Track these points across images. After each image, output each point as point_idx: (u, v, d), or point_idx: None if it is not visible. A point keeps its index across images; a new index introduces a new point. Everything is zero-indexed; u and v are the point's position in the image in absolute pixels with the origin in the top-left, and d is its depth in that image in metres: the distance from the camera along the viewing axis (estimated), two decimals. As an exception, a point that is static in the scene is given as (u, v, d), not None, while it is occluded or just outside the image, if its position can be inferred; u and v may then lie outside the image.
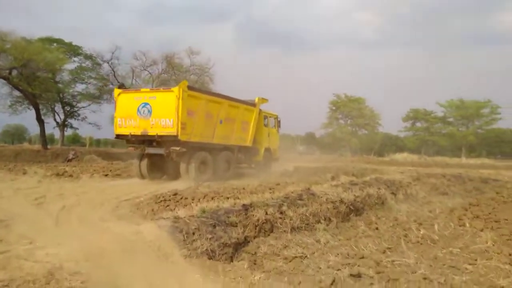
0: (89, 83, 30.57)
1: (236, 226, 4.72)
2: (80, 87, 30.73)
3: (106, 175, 13.88)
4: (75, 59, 30.05)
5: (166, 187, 9.97)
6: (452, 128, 51.11)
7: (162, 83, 29.08)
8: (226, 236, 4.39)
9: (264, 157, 15.21)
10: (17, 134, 67.56)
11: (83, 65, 30.39)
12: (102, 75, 30.28)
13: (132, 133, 11.55)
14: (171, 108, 10.82)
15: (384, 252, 5.36)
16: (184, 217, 4.47)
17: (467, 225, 7.04)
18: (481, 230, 6.60)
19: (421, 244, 5.91)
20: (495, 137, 54.66)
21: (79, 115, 31.90)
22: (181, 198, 7.12)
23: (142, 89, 13.14)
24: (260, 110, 14.69)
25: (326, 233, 5.88)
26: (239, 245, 4.54)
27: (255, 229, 4.91)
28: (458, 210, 8.26)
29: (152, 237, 3.83)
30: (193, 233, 4.10)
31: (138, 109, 11.32)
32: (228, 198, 7.07)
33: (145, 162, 12.13)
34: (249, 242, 4.72)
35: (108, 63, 29.51)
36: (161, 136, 11.08)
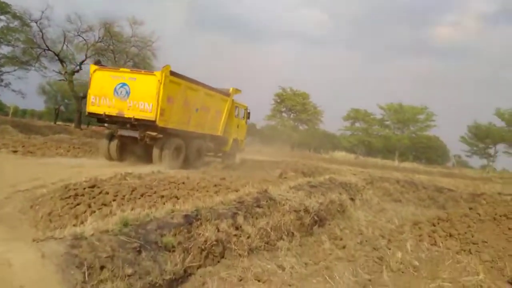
0: (16, 46, 26.45)
1: (174, 250, 3.16)
2: (5, 50, 26.61)
3: (15, 151, 11.51)
4: (2, 17, 25.85)
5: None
6: (389, 131, 52.77)
7: (97, 52, 26.02)
8: (157, 270, 2.83)
9: (231, 147, 14.96)
10: None
11: (11, 25, 26.21)
12: (30, 38, 26.28)
13: (106, 113, 11.03)
14: (152, 92, 10.51)
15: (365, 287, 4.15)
16: (92, 235, 2.83)
17: (440, 245, 6.10)
18: (457, 253, 5.67)
19: (403, 272, 4.80)
20: (423, 143, 57.57)
21: (2, 80, 27.62)
22: (100, 193, 5.34)
23: (122, 69, 12.43)
24: (232, 100, 14.54)
25: (290, 254, 4.53)
26: (174, 283, 2.98)
27: (201, 254, 3.40)
28: (424, 224, 7.38)
29: (27, 279, 2.17)
30: (102, 268, 2.50)
31: (115, 89, 10.89)
32: (163, 197, 5.45)
33: (114, 143, 11.65)
34: (190, 275, 3.19)
35: (36, 23, 25.64)
36: (137, 120, 10.68)
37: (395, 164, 49.83)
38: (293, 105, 55.53)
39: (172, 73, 10.90)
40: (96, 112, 11.24)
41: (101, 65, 12.16)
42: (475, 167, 62.11)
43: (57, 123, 45.93)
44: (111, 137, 11.71)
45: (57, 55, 25.47)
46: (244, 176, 10.11)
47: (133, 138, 11.00)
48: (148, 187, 6.11)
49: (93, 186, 5.70)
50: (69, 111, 56.81)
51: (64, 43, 25.85)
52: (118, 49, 25.53)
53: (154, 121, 10.51)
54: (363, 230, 6.75)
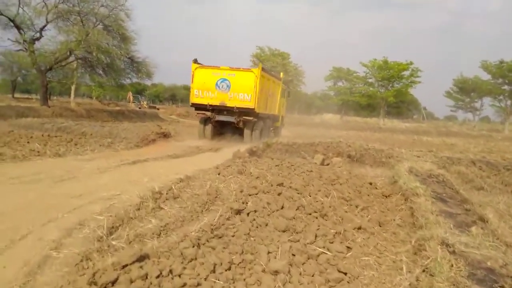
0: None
1: None
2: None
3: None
4: None
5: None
6: (373, 89, 51.07)
7: (60, 15, 21.84)
8: None
9: (281, 122, 18.09)
10: None
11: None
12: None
13: (210, 103, 13.37)
14: (250, 85, 13.04)
15: None
16: None
17: None
18: None
19: None
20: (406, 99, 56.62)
21: None
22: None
23: (222, 67, 13.87)
24: (282, 83, 17.07)
25: None
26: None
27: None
28: None
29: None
30: None
31: (216, 84, 13.26)
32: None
33: (209, 127, 14.16)
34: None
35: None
36: (239, 108, 13.22)
37: (381, 122, 48.79)
38: (272, 65, 52.46)
39: (262, 69, 13.71)
40: (201, 102, 13.53)
41: (201, 64, 13.92)
42: (455, 119, 62.51)
43: (15, 96, 41.12)
44: (205, 122, 14.17)
45: (12, 21, 21.20)
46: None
47: (228, 122, 13.77)
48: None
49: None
50: (27, 82, 51.37)
51: (19, 6, 21.49)
52: (85, 10, 21.50)
53: (253, 109, 13.24)
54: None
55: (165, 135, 12.28)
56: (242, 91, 13.20)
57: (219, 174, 7.22)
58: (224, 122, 13.95)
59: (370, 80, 53.21)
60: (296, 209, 4.77)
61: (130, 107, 45.90)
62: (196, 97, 13.58)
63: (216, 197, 5.36)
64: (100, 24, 22.73)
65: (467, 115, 58.40)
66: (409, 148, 13.81)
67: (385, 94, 48.46)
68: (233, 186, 5.96)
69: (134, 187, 5.85)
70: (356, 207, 5.18)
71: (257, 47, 53.53)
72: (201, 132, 14.29)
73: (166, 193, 5.31)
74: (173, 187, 5.61)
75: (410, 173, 7.00)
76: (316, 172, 7.95)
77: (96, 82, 24.16)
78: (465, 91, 44.70)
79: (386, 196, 5.92)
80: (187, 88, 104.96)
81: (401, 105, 68.40)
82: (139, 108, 49.11)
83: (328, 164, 9.52)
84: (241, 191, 5.51)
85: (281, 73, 16.08)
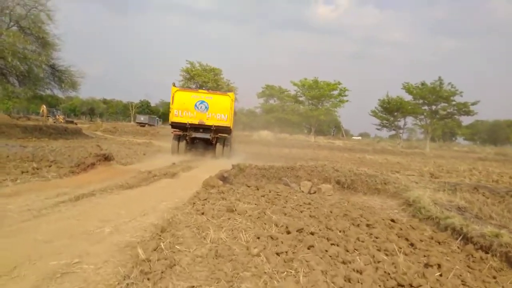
0: None
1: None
2: None
3: None
4: None
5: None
6: (304, 107, 51.82)
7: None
8: None
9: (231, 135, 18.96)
10: None
11: None
12: None
13: (189, 122, 15.18)
14: (226, 107, 15.31)
15: None
16: None
17: None
18: None
19: None
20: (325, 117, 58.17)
21: None
22: None
23: (200, 90, 16.49)
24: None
25: None
26: None
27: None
28: None
29: None
30: None
31: (195, 105, 15.18)
32: None
33: (183, 143, 15.82)
34: None
35: None
36: (216, 126, 15.24)
37: (312, 140, 49.51)
38: (204, 81, 51.05)
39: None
40: (180, 121, 15.12)
41: (179, 87, 16.58)
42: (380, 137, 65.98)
43: None
44: (179, 139, 15.65)
45: None
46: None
47: (203, 139, 15.63)
48: None
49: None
50: None
51: None
52: (-6, 7, 18.04)
53: (229, 127, 15.26)
54: None
55: (106, 158, 10.00)
56: (220, 111, 15.14)
57: (203, 214, 5.47)
58: (198, 139, 15.83)
59: (300, 99, 54.07)
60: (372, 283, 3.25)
61: (44, 121, 40.96)
62: (176, 116, 15.16)
63: (230, 260, 3.65)
64: (16, 25, 19.18)
65: (388, 133, 62.08)
66: (375, 169, 13.12)
67: (317, 112, 49.32)
68: (242, 237, 4.28)
69: (95, 247, 3.91)
70: (427, 266, 3.80)
71: (187, 62, 51.65)
72: (175, 148, 15.76)
73: (157, 259, 3.46)
74: (162, 246, 3.77)
75: (435, 205, 5.89)
76: (317, 204, 6.56)
77: (8, 93, 20.36)
78: (389, 110, 47.11)
79: (439, 243, 4.66)
80: (107, 102, 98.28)
81: (322, 123, 70.65)
82: (54, 122, 44.18)
83: (314, 192, 8.21)
84: (261, 250, 3.86)
85: (233, 89, 17.18)
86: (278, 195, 7.42)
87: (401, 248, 4.25)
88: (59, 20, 20.68)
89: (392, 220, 5.72)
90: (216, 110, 15.12)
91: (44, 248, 3.80)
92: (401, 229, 5.22)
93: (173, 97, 15.10)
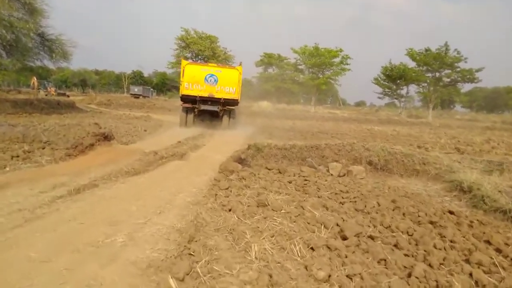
0: None
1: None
2: None
3: None
4: None
5: None
6: (305, 76, 50.32)
7: None
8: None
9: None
10: None
11: None
12: None
13: (199, 95, 15.41)
14: (235, 80, 15.50)
15: None
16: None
17: None
18: None
19: None
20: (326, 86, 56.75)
21: None
22: None
23: (210, 64, 17.23)
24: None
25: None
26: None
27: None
28: None
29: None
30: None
31: (205, 78, 15.36)
32: None
33: (191, 116, 16.13)
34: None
35: None
36: (225, 99, 15.56)
37: (312, 110, 48.39)
38: (200, 49, 49.19)
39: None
40: (191, 94, 15.39)
41: (190, 61, 18.52)
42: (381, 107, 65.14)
43: None
44: (187, 111, 15.90)
45: None
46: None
47: (210, 111, 15.94)
48: None
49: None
50: None
51: None
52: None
53: (237, 99, 15.73)
54: None
55: (106, 137, 8.97)
56: (228, 85, 15.39)
57: (230, 210, 4.57)
58: (206, 111, 15.96)
59: (300, 67, 52.47)
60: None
61: (35, 94, 39.40)
62: (186, 89, 15.32)
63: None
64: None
65: (384, 102, 61.13)
66: (390, 142, 12.24)
67: (318, 81, 47.93)
68: (293, 249, 3.38)
69: (108, 270, 3.00)
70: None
71: (182, 29, 49.53)
72: (183, 121, 15.97)
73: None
74: (198, 269, 2.86)
75: (499, 193, 5.00)
76: (355, 191, 5.67)
77: (-5, 64, 18.94)
78: (392, 78, 45.77)
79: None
80: (99, 73, 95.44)
81: (321, 92, 69.23)
82: (46, 95, 42.59)
83: (344, 175, 7.31)
84: (328, 272, 2.95)
85: (240, 63, 16.45)
86: (306, 180, 6.54)
87: (492, 258, 3.38)
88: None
89: (451, 212, 4.85)
90: (225, 83, 15.39)
91: (40, 274, 2.88)
92: (471, 226, 4.35)
93: (183, 70, 15.30)
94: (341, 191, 5.80)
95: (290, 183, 6.29)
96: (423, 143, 14.40)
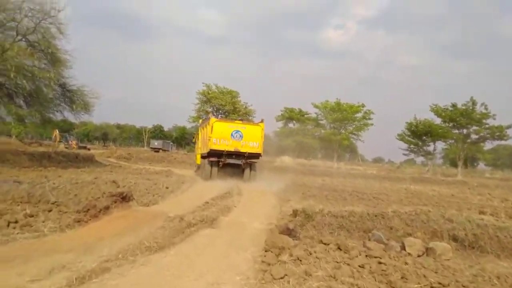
0: None
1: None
2: None
3: None
4: None
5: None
6: (327, 132, 49.27)
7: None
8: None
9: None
10: None
11: None
12: None
13: (226, 150, 16.41)
14: (258, 135, 16.70)
15: None
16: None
17: None
18: None
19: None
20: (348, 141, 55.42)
21: None
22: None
23: (236, 121, 19.14)
24: None
25: None
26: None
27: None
28: None
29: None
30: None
31: (232, 134, 16.52)
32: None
33: (215, 169, 16.85)
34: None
35: None
36: (250, 153, 16.66)
37: (335, 165, 46.77)
38: (221, 104, 49.08)
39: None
40: (218, 149, 16.47)
41: (218, 118, 22.27)
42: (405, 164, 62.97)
43: None
44: (211, 164, 16.83)
45: None
46: None
47: (235, 164, 16.94)
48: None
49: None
50: None
51: None
52: (2, 21, 16.15)
53: (259, 153, 17.00)
54: None
55: (124, 198, 7.64)
56: (252, 140, 16.55)
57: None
58: (230, 164, 16.79)
59: (321, 122, 51.62)
60: None
61: (56, 147, 39.19)
62: (215, 144, 16.31)
63: None
64: (23, 39, 17.25)
65: (404, 158, 59.11)
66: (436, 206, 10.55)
67: (340, 136, 46.75)
68: None
69: None
70: None
71: (203, 84, 49.90)
72: (208, 174, 16.70)
73: None
74: None
75: None
76: (452, 283, 4.06)
77: (14, 115, 18.34)
78: (417, 134, 44.18)
79: None
80: (121, 127, 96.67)
81: (339, 148, 67.84)
82: (66, 148, 42.41)
83: (423, 254, 5.66)
84: None
85: (262, 119, 17.70)
86: (380, 263, 4.95)
87: None
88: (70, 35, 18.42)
89: None
90: (249, 138, 16.54)
91: None
92: None
93: (212, 127, 16.38)
94: (440, 283, 4.20)
95: (362, 267, 4.74)
96: (479, 207, 12.62)
